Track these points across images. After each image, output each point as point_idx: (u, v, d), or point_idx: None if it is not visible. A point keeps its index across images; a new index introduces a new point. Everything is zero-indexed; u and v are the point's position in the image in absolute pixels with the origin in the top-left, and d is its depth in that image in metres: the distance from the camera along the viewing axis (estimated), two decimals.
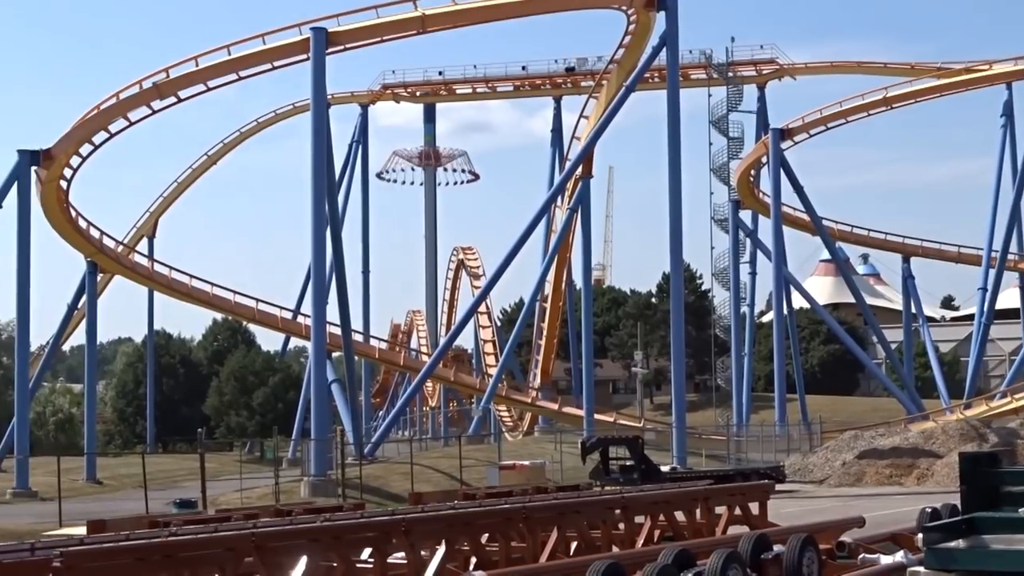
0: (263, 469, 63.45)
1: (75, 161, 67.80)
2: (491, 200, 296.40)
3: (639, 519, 21.21)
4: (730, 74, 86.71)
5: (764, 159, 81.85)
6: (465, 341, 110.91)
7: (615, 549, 19.78)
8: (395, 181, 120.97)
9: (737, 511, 23.07)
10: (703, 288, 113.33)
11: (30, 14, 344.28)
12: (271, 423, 78.22)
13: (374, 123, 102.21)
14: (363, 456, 61.50)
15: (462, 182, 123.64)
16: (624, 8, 66.82)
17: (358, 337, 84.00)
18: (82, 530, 20.77)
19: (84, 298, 76.34)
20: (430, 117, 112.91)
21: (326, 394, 63.95)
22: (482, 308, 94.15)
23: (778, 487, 34.58)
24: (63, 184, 68.26)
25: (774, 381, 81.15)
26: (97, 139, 67.32)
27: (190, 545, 15.09)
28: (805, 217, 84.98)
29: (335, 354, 77.83)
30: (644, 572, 15.40)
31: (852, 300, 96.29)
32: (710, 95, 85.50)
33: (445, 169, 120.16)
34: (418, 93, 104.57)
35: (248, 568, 15.43)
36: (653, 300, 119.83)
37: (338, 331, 72.05)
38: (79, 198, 72.49)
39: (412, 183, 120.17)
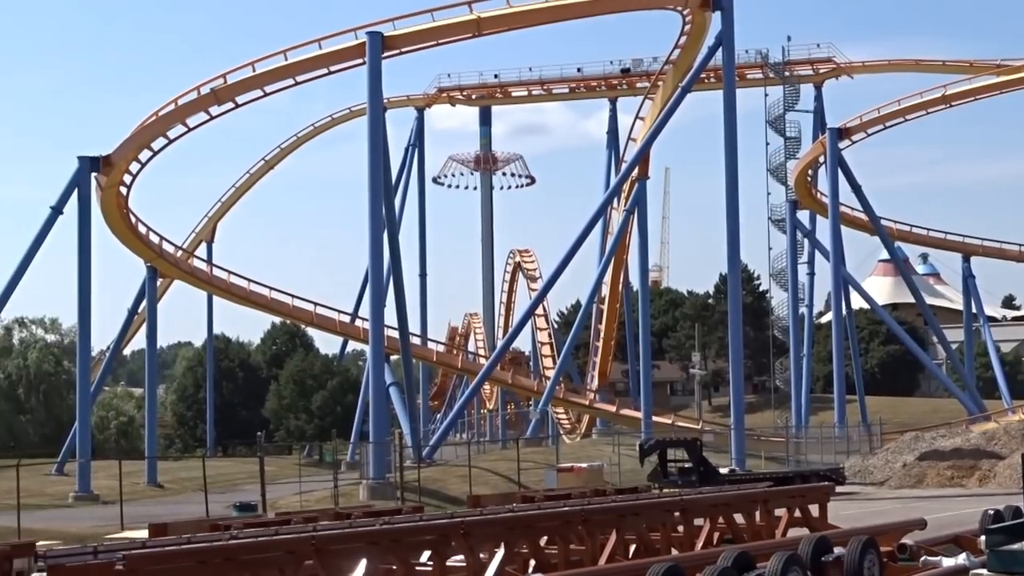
0: (322, 472, 63.77)
1: (134, 167, 68.27)
2: (547, 202, 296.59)
3: (698, 521, 21.15)
4: (787, 73, 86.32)
5: (821, 159, 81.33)
6: (522, 344, 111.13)
7: (674, 552, 19.74)
8: (451, 186, 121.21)
9: (797, 513, 22.97)
10: (761, 289, 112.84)
11: (90, 22, 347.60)
12: (330, 426, 78.52)
13: (429, 126, 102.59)
14: (421, 459, 61.61)
15: (518, 186, 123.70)
16: (679, 8, 66.59)
17: (416, 340, 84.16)
18: (144, 533, 20.94)
19: (144, 303, 76.97)
20: (486, 120, 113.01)
21: (384, 397, 64.09)
22: (539, 310, 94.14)
23: (838, 489, 34.35)
24: (123, 190, 68.75)
25: (833, 382, 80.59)
26: (156, 145, 67.73)
27: (251, 548, 15.17)
28: (863, 217, 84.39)
29: (393, 357, 77.94)
30: (704, 575, 15.36)
31: (912, 300, 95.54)
32: (767, 95, 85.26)
33: (504, 174, 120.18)
34: (474, 96, 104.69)
35: (308, 571, 15.51)
36: (710, 301, 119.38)
37: (396, 334, 72.15)
38: (138, 203, 73.03)
39: (468, 187, 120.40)
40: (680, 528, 20.95)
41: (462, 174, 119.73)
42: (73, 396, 74.17)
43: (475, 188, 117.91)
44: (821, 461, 64.90)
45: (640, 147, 73.22)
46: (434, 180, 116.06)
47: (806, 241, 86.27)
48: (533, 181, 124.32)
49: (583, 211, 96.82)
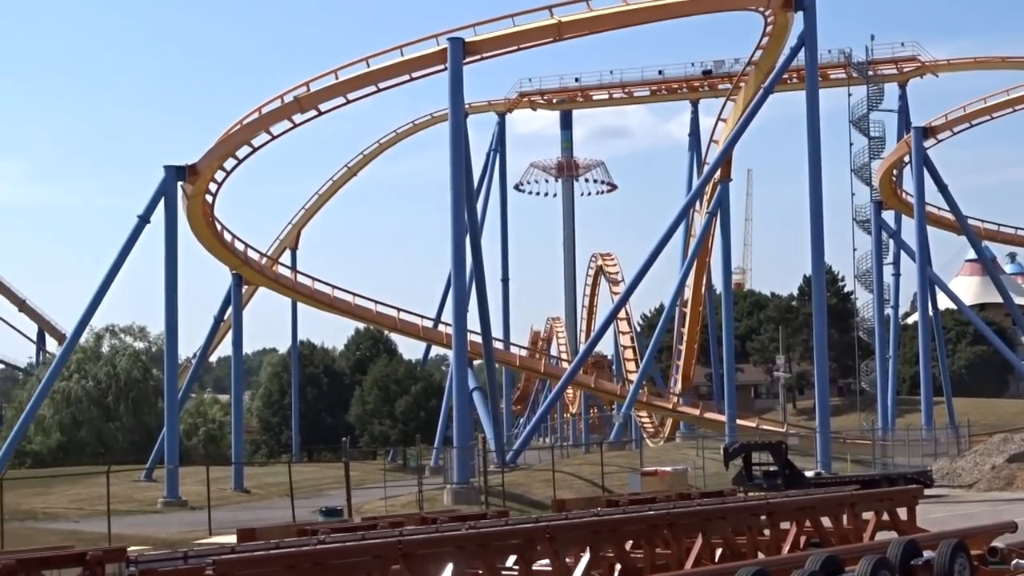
0: (406, 477, 63.98)
1: (219, 175, 68.96)
2: (629, 205, 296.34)
3: (785, 525, 21.02)
4: (870, 73, 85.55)
5: (906, 158, 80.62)
6: (605, 347, 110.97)
7: (761, 555, 19.63)
8: (533, 192, 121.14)
9: (884, 516, 22.74)
10: (846, 290, 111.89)
11: (174, 33, 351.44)
12: (414, 431, 78.83)
13: (510, 130, 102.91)
14: (505, 463, 61.68)
15: (599, 192, 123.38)
16: (761, 9, 66.26)
17: (499, 345, 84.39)
18: (232, 538, 21.09)
19: (230, 310, 77.67)
20: (567, 124, 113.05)
21: (468, 402, 64.25)
22: (622, 314, 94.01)
23: (926, 492, 34.01)
24: (208, 198, 69.46)
25: (920, 384, 79.82)
26: (241, 153, 68.39)
27: (339, 553, 15.27)
28: (949, 216, 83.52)
29: (476, 362, 78.21)
30: None
31: (999, 300, 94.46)
32: (850, 94, 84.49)
33: (585, 180, 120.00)
34: (555, 100, 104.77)
35: (395, 575, 15.58)
36: (794, 303, 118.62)
37: (479, 339, 72.35)
38: (223, 211, 73.74)
39: (549, 194, 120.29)
40: (766, 532, 20.83)
41: (546, 180, 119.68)
42: (161, 403, 75.00)
43: (556, 195, 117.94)
44: (908, 464, 64.25)
45: (722, 149, 72.95)
46: (516, 187, 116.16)
47: (891, 241, 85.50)
48: (614, 188, 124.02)
49: (665, 214, 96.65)
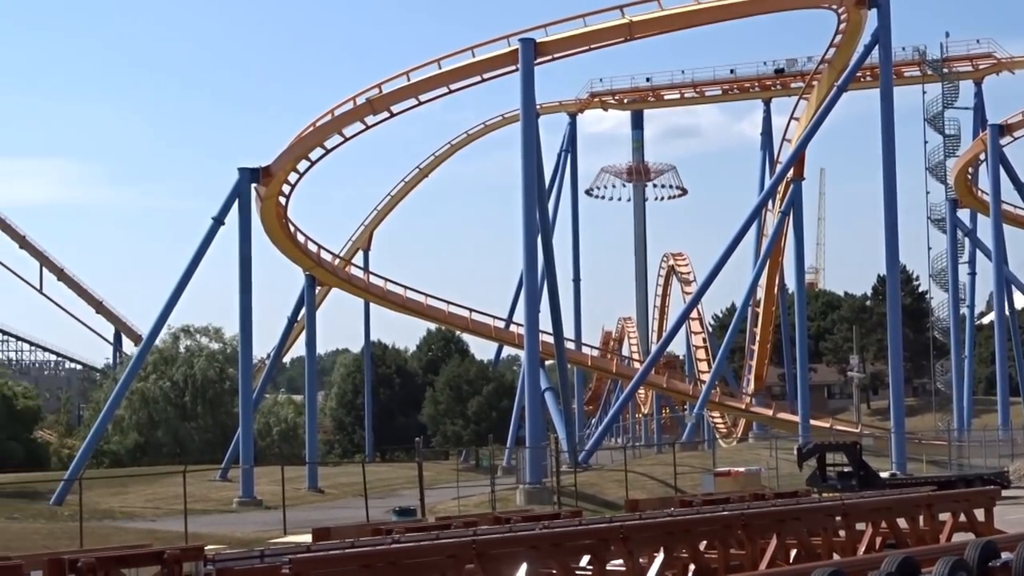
0: (479, 477, 64.10)
1: (292, 177, 69.42)
2: (700, 205, 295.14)
3: (860, 526, 20.90)
4: (945, 70, 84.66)
5: (982, 156, 79.81)
6: (677, 347, 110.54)
7: (836, 556, 19.54)
8: (604, 198, 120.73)
9: (961, 518, 22.56)
10: (920, 290, 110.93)
11: (248, 37, 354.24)
12: (486, 431, 78.97)
13: (581, 130, 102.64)
14: (577, 463, 61.66)
15: (670, 197, 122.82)
16: (835, 7, 65.84)
17: (570, 345, 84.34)
18: (307, 538, 21.28)
19: (303, 311, 78.14)
20: (637, 123, 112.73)
21: (540, 402, 64.25)
22: (693, 314, 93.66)
23: (1003, 493, 33.64)
24: (281, 200, 69.93)
25: (996, 384, 78.97)
26: (313, 155, 68.80)
27: (413, 552, 15.37)
28: None
29: (548, 362, 78.15)
30: None
31: None
32: (925, 92, 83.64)
33: (656, 186, 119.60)
34: (626, 100, 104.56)
35: (469, 574, 15.65)
36: (868, 303, 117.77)
37: (550, 339, 72.34)
38: (296, 213, 74.25)
39: (621, 199, 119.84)
40: (842, 533, 20.72)
41: (614, 186, 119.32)
42: (236, 403, 75.57)
43: (628, 200, 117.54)
44: (985, 465, 63.58)
45: (795, 148, 72.56)
46: (587, 192, 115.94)
47: (967, 240, 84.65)
48: (685, 192, 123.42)
49: (736, 214, 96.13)
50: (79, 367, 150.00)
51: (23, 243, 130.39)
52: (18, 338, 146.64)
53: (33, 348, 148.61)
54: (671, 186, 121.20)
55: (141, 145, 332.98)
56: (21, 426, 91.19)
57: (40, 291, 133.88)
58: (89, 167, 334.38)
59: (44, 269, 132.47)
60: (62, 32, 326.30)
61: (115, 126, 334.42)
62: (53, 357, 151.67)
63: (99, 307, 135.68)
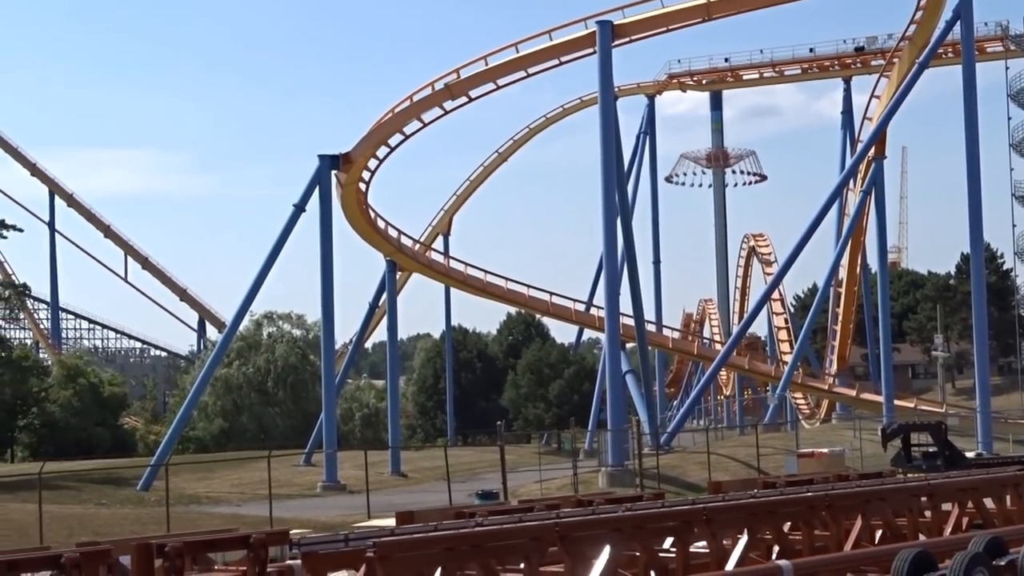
0: (561, 460, 64.18)
1: (372, 163, 69.74)
2: (780, 185, 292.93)
3: (946, 506, 20.72)
4: None
5: None
6: (758, 328, 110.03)
7: (922, 537, 19.38)
8: (684, 184, 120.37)
9: None
10: (1005, 267, 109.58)
11: (326, 25, 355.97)
12: (567, 415, 78.99)
13: (659, 112, 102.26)
14: (659, 446, 61.57)
15: (749, 183, 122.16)
16: None
17: (651, 327, 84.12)
18: (391, 521, 21.38)
19: (384, 296, 78.51)
20: (716, 105, 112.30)
21: (621, 385, 64.20)
22: (775, 295, 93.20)
23: None
24: (361, 186, 70.27)
25: None
26: (393, 141, 69.07)
27: (497, 535, 15.40)
28: None
29: (629, 345, 78.05)
30: (954, 560, 15.10)
31: None
32: (1007, 68, 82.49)
33: (735, 172, 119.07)
34: (704, 81, 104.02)
35: (552, 557, 15.68)
36: (952, 281, 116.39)
37: (631, 322, 72.22)
38: (376, 199, 74.61)
39: (700, 185, 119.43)
40: (927, 513, 20.55)
41: (695, 173, 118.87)
42: (319, 389, 76.12)
43: (708, 186, 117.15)
44: None
45: (876, 126, 71.85)
46: (667, 179, 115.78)
47: None
48: (764, 178, 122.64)
49: (817, 193, 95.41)
50: (164, 354, 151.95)
51: (108, 232, 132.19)
52: (104, 326, 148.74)
53: (119, 336, 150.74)
54: (750, 172, 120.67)
55: (224, 134, 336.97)
56: (108, 413, 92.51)
57: (125, 279, 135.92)
58: (174, 157, 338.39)
59: (129, 258, 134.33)
60: (143, 25, 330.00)
61: (199, 116, 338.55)
62: (138, 345, 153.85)
63: (183, 295, 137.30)
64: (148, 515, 45.20)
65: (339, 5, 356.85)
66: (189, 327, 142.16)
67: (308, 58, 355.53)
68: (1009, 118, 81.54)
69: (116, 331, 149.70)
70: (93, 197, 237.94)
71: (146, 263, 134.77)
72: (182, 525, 36.49)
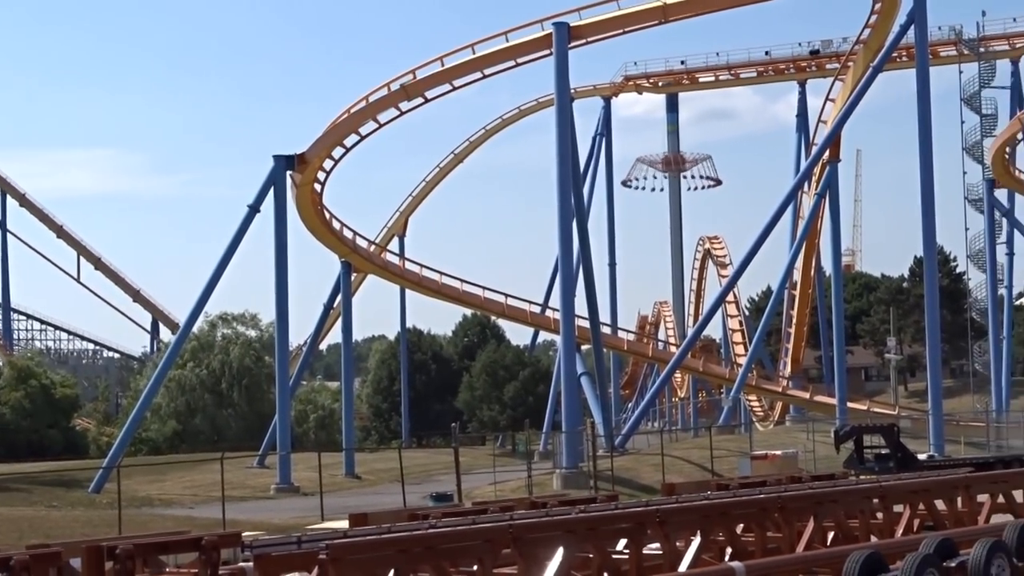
0: (515, 462, 64.19)
1: (328, 164, 69.50)
2: (735, 188, 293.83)
3: (898, 508, 20.81)
4: (982, 49, 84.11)
5: (1020, 135, 79.24)
6: (713, 331, 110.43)
7: (874, 539, 19.47)
8: (640, 188, 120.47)
9: (1000, 499, 22.43)
10: (958, 271, 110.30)
11: (281, 25, 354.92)
12: (522, 416, 79.08)
13: (615, 114, 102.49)
14: (614, 448, 61.65)
15: (704, 187, 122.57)
16: None
17: (606, 329, 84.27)
18: (344, 524, 21.32)
19: (339, 297, 78.32)
20: (672, 107, 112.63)
21: (576, 387, 64.24)
22: (730, 297, 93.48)
23: None
24: (317, 187, 70.03)
25: None
26: (348, 142, 68.86)
27: (450, 537, 15.37)
28: None
29: (584, 347, 78.14)
30: (905, 562, 15.17)
31: None
32: (961, 72, 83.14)
33: (691, 176, 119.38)
34: (660, 83, 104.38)
35: (506, 559, 15.66)
36: (905, 284, 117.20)
37: (586, 324, 72.32)
38: (332, 200, 74.32)
39: (656, 189, 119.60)
40: (879, 515, 20.64)
41: (653, 176, 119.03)
42: (273, 390, 75.80)
43: (663, 190, 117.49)
44: (1023, 446, 63.25)
45: (831, 129, 72.21)
46: (623, 183, 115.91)
47: (1004, 220, 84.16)
48: (719, 183, 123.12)
49: (772, 196, 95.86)
50: (117, 356, 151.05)
51: (60, 232, 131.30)
52: (56, 327, 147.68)
53: (71, 337, 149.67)
54: (706, 177, 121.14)
55: (181, 135, 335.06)
56: (60, 414, 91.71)
57: (78, 280, 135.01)
58: (130, 157, 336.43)
59: (82, 258, 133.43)
60: (101, 25, 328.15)
61: (156, 117, 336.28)
62: (91, 346, 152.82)
63: (136, 296, 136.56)
64: (99, 517, 44.87)
65: (299, 6, 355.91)
66: (142, 328, 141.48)
67: (268, 59, 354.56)
68: (962, 122, 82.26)
69: (68, 332, 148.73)
70: (52, 198, 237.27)
71: (99, 264, 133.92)
72: (134, 527, 36.25)
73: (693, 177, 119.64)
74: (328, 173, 70.12)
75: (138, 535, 18.99)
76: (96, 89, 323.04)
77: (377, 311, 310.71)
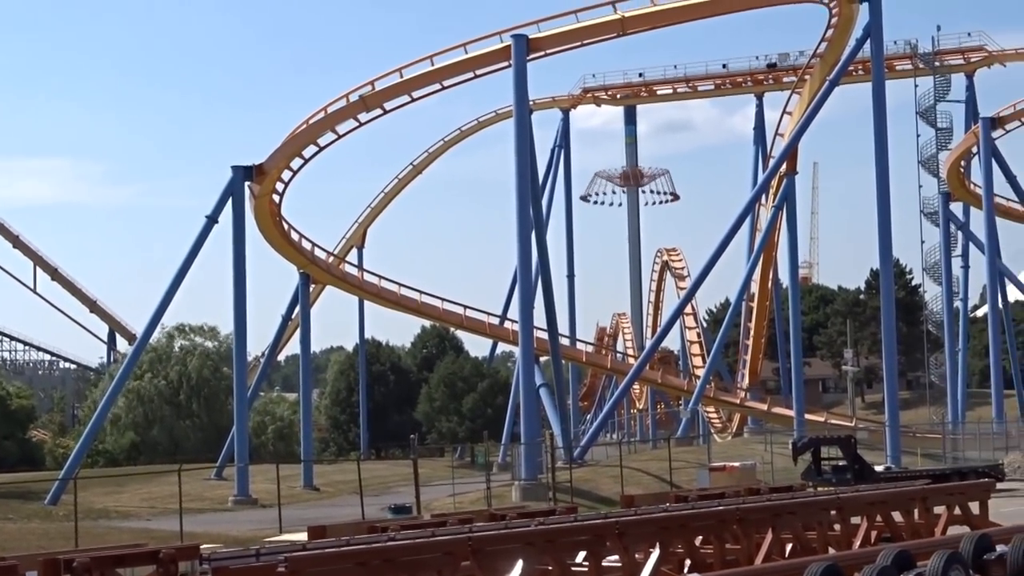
0: (474, 474, 64.12)
1: (286, 175, 69.26)
2: (693, 200, 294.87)
3: (855, 520, 20.94)
4: (937, 63, 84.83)
5: (974, 149, 79.87)
6: (671, 343, 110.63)
7: (832, 551, 19.57)
8: (599, 203, 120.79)
9: (956, 511, 22.60)
10: (914, 283, 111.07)
11: (240, 35, 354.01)
12: (481, 428, 78.94)
13: (573, 125, 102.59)
14: (572, 459, 61.68)
15: (663, 202, 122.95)
16: (826, 1, 65.86)
17: (565, 341, 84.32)
18: (303, 536, 21.28)
19: (298, 308, 78.07)
20: (631, 119, 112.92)
21: (535, 398, 64.27)
22: (688, 309, 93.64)
23: (997, 486, 33.71)
24: (275, 198, 69.79)
25: (990, 377, 79.12)
26: (307, 152, 68.70)
27: (409, 550, 15.38)
28: (1018, 207, 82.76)
29: (543, 358, 78.17)
30: (863, 574, 15.24)
31: None
32: (916, 85, 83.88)
33: (650, 191, 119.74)
34: (618, 95, 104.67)
35: (465, 571, 15.67)
36: (862, 296, 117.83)
37: (545, 335, 72.34)
38: (290, 211, 74.12)
39: (615, 204, 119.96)
40: (837, 527, 20.75)
41: (612, 192, 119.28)
42: (231, 402, 75.48)
43: (621, 205, 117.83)
44: (979, 458, 63.66)
45: (788, 142, 72.55)
46: (582, 198, 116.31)
47: (960, 233, 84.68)
48: (677, 198, 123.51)
49: (730, 208, 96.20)
50: (73, 367, 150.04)
51: (16, 243, 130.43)
52: (12, 338, 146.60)
53: (27, 348, 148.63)
54: (664, 192, 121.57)
55: (142, 145, 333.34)
56: (16, 426, 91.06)
57: (34, 291, 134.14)
58: (86, 167, 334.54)
59: (38, 269, 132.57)
60: (58, 33, 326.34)
61: (112, 126, 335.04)
62: (47, 357, 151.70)
63: (93, 306, 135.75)
64: (56, 530, 44.55)
65: (257, 16, 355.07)
66: (99, 339, 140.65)
67: (226, 68, 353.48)
68: (918, 135, 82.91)
69: (24, 343, 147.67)
70: (7, 207, 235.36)
71: (55, 274, 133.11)
72: (90, 540, 36.03)
73: (651, 192, 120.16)
74: (286, 184, 69.91)
75: (95, 548, 18.89)
76: (48, 97, 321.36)
77: (336, 322, 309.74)
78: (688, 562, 18.52)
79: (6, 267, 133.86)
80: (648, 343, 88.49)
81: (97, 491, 62.04)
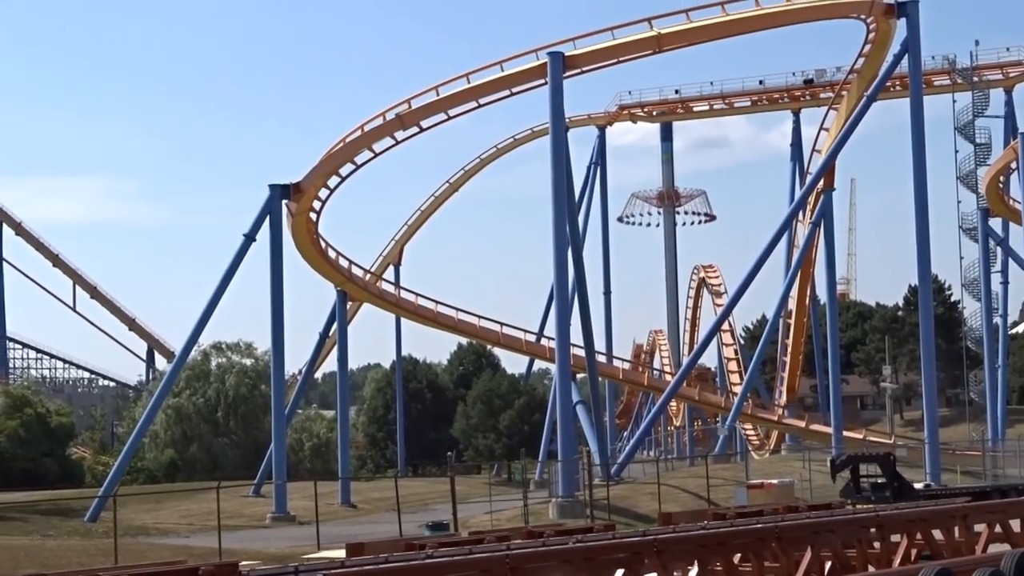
0: (511, 491, 64.04)
1: (323, 193, 69.58)
2: (730, 216, 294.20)
3: (895, 538, 20.82)
4: (975, 78, 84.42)
5: (1013, 164, 79.37)
6: (708, 360, 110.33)
7: (871, 569, 19.47)
8: (635, 224, 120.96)
9: (997, 528, 22.44)
10: (952, 299, 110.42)
11: (279, 55, 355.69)
12: (517, 445, 78.91)
13: (609, 142, 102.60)
14: (609, 477, 61.55)
15: (698, 223, 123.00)
16: (863, 17, 65.66)
17: (601, 358, 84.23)
18: (341, 553, 21.31)
19: (335, 326, 78.27)
20: (667, 136, 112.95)
21: (571, 416, 64.20)
22: (725, 326, 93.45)
23: None
24: (312, 216, 70.11)
25: None
26: (344, 171, 68.95)
27: (447, 567, 15.37)
28: None
29: (579, 375, 78.08)
30: None
31: None
32: (955, 101, 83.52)
33: (686, 212, 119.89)
34: (654, 112, 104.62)
35: None
36: (900, 313, 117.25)
37: (582, 352, 72.24)
38: (327, 229, 74.36)
39: (651, 225, 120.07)
40: (876, 544, 20.64)
41: (649, 213, 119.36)
42: (269, 419, 75.74)
43: (658, 226, 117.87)
44: (1020, 475, 63.10)
45: (825, 158, 72.32)
46: (619, 219, 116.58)
47: (999, 249, 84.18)
48: (714, 218, 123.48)
49: (767, 225, 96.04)
50: (112, 384, 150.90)
51: (56, 261, 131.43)
52: (52, 356, 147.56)
53: (67, 366, 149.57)
54: (700, 213, 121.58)
55: (175, 163, 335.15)
56: (55, 443, 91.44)
57: (74, 309, 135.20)
58: (123, 185, 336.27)
59: (77, 287, 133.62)
60: (89, 52, 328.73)
61: (150, 144, 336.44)
62: (87, 375, 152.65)
63: (132, 324, 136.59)
64: (96, 547, 44.73)
65: (293, 33, 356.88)
66: (138, 357, 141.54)
67: (261, 86, 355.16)
68: (956, 151, 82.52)
69: (64, 361, 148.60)
70: (41, 226, 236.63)
71: (95, 292, 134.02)
72: (130, 557, 36.18)
73: (687, 213, 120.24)
74: (323, 202, 70.21)
75: (134, 565, 18.96)
76: (82, 115, 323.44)
77: (373, 339, 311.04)
78: None
79: (46, 286, 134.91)
80: (685, 360, 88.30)
81: (136, 508, 62.34)
